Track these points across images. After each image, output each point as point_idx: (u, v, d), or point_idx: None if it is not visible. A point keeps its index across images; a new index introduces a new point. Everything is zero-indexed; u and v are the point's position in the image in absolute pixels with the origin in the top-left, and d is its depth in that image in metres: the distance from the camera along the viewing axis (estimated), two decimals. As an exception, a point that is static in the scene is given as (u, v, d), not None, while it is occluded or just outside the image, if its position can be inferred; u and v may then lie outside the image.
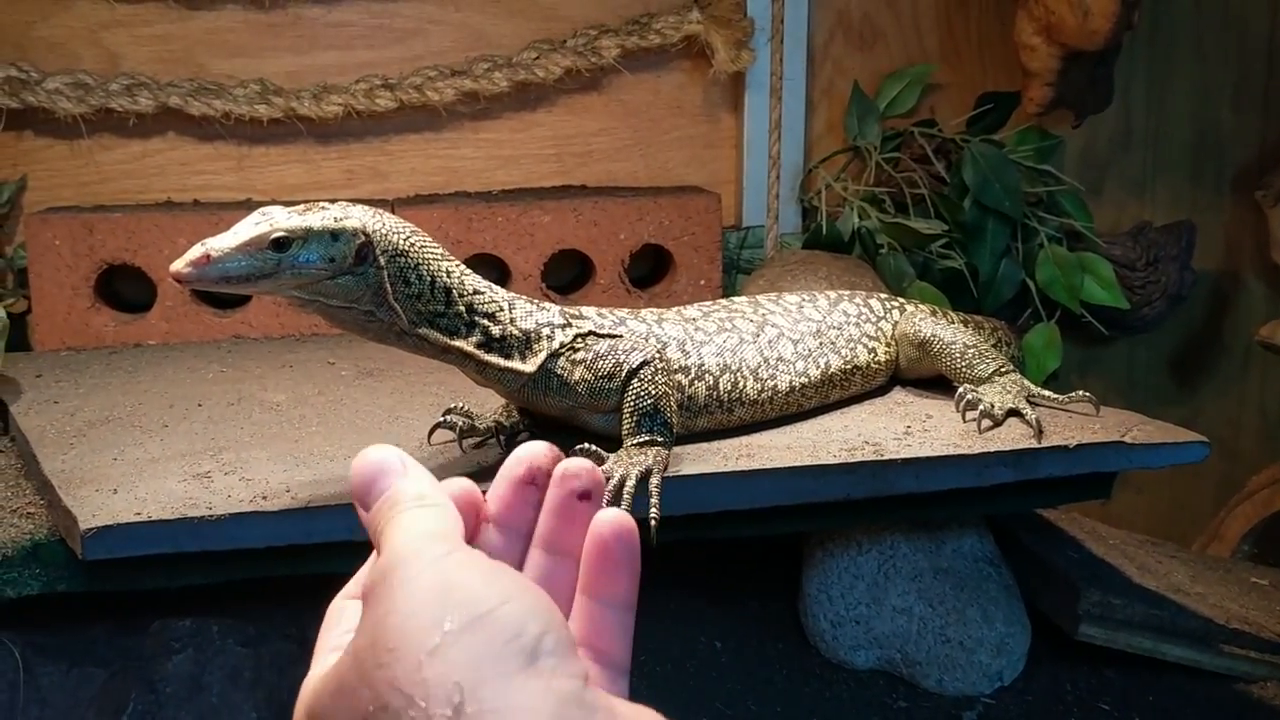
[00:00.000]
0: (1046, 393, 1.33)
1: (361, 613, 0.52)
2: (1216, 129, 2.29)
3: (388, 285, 1.02)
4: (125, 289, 1.86)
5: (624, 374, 1.13)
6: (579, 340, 1.15)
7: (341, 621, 0.55)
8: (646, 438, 1.11)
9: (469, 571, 0.51)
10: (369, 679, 0.48)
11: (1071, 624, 1.34)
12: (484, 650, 0.47)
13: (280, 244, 0.96)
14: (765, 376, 1.25)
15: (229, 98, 1.85)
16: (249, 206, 1.88)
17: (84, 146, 1.88)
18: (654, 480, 1.08)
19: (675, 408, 1.15)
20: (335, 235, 0.99)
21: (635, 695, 1.35)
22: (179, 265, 0.94)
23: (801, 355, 1.29)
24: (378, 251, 1.01)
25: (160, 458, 1.20)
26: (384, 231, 1.03)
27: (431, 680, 0.46)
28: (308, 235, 0.97)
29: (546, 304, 1.17)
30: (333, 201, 1.04)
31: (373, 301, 1.02)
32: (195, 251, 0.95)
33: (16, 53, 1.82)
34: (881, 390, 1.41)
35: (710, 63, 2.00)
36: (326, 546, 1.07)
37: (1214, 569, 1.65)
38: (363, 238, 1.00)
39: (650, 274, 2.01)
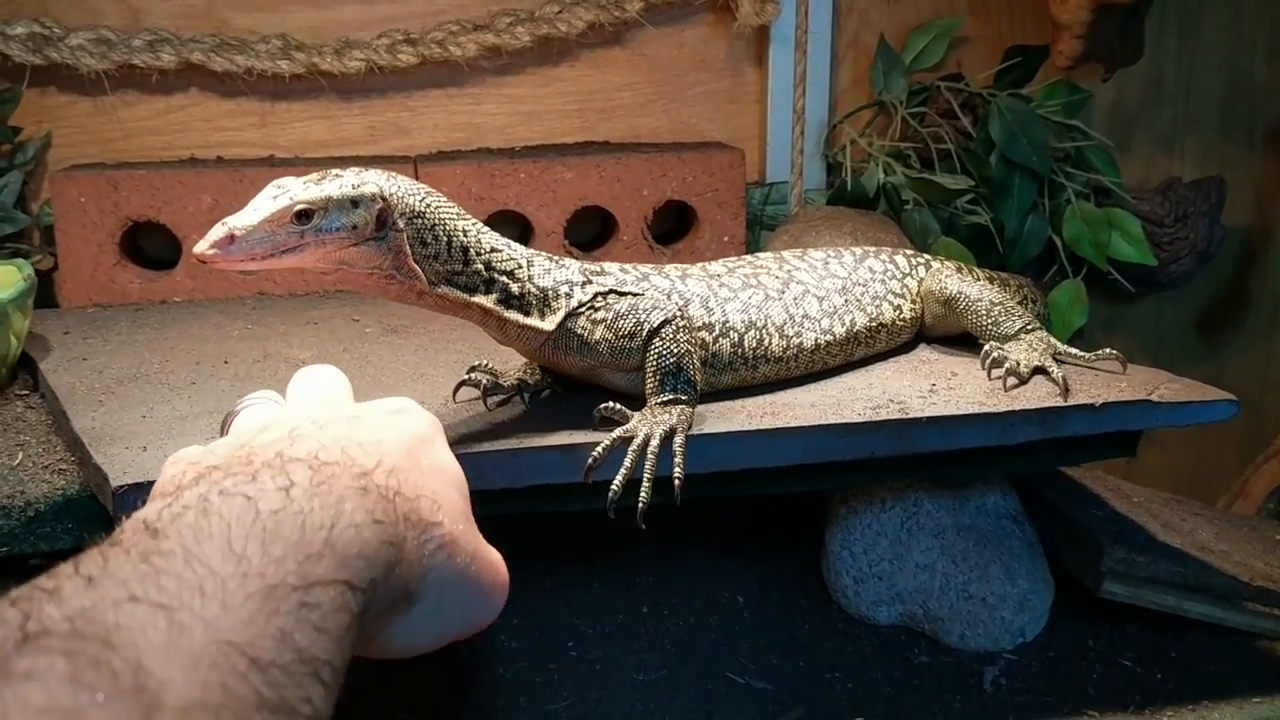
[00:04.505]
0: (1073, 350, 1.33)
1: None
2: (1249, 82, 2.26)
3: (407, 248, 1.02)
4: (149, 245, 1.87)
5: (645, 333, 1.12)
6: (599, 299, 1.14)
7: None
8: (670, 396, 1.11)
9: None
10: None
11: (1095, 581, 1.34)
12: None
13: (303, 216, 0.95)
14: (791, 334, 1.25)
15: (251, 53, 1.85)
16: (272, 163, 1.88)
17: (107, 103, 1.88)
18: (678, 439, 1.08)
19: (698, 366, 1.14)
20: (355, 202, 0.98)
21: (658, 648, 1.36)
22: (203, 248, 0.93)
23: (827, 312, 1.29)
24: (396, 215, 1.01)
25: (189, 415, 1.21)
26: (400, 194, 1.02)
27: None
28: (328, 205, 0.96)
29: (567, 261, 1.17)
30: (345, 166, 1.03)
31: (394, 265, 1.02)
32: (217, 232, 0.93)
33: (39, 8, 1.82)
34: (906, 348, 1.41)
35: (734, 16, 1.98)
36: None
37: (1239, 527, 1.64)
38: (381, 202, 1.00)
39: (673, 230, 2.00)
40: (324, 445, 0.67)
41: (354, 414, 0.75)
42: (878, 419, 1.16)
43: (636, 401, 1.13)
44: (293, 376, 0.85)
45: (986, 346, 1.30)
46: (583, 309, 1.14)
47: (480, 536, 0.74)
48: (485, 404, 1.20)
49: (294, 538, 0.56)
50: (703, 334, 1.19)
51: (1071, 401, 1.20)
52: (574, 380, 1.21)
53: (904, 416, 1.16)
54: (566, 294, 1.13)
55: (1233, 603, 1.36)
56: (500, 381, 1.21)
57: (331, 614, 0.55)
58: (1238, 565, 1.40)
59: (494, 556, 0.75)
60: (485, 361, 1.23)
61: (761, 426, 1.14)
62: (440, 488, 0.72)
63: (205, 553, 0.53)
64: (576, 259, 1.19)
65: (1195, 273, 2.15)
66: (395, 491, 0.65)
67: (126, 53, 1.81)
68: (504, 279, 1.10)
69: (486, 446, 1.08)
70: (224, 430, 0.81)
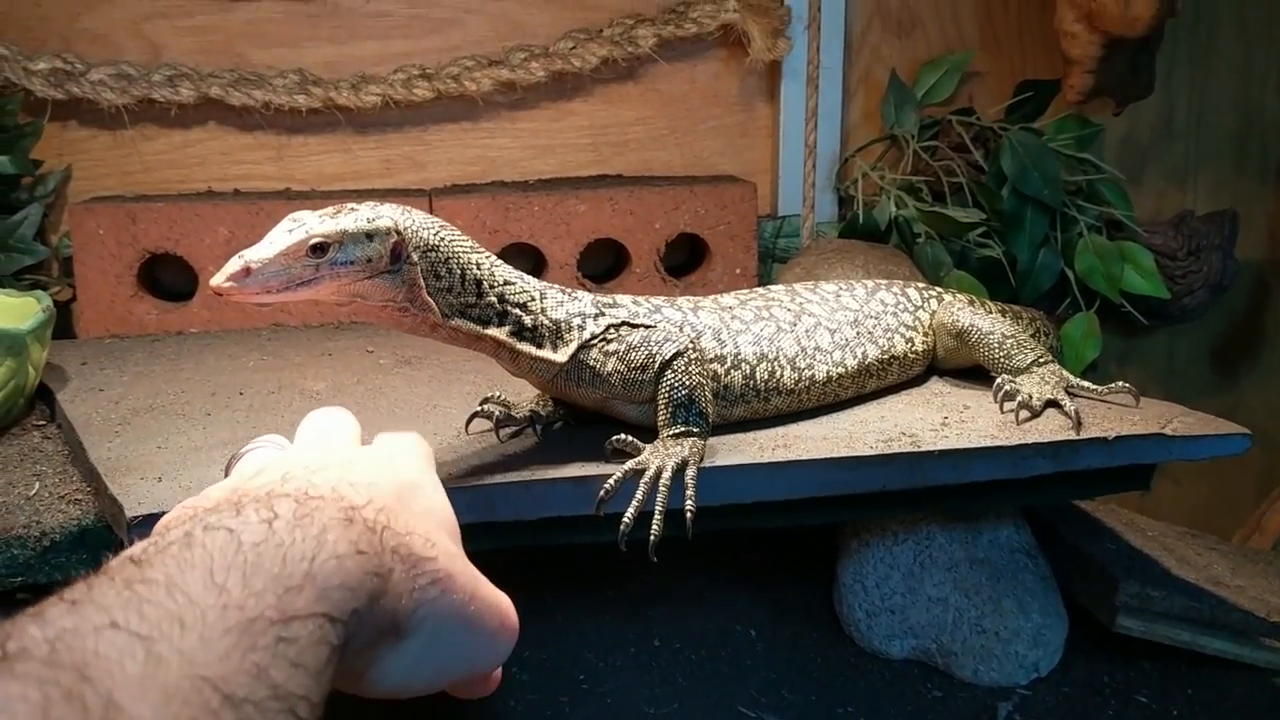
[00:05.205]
0: (1085, 383, 1.33)
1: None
2: (1260, 116, 2.26)
3: (421, 281, 1.03)
4: (167, 277, 1.89)
5: (657, 365, 1.13)
6: (611, 331, 1.15)
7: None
8: (682, 429, 1.11)
9: None
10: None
11: (1109, 616, 1.33)
12: None
13: (318, 249, 0.96)
14: (803, 366, 1.25)
15: (269, 88, 1.87)
16: (288, 196, 1.90)
17: (127, 137, 1.90)
18: (690, 472, 1.08)
19: (710, 398, 1.15)
20: (370, 236, 0.99)
21: (669, 681, 1.36)
22: (219, 280, 0.93)
23: (839, 345, 1.29)
24: (410, 248, 1.02)
25: (204, 446, 1.22)
26: (414, 228, 1.03)
27: None
28: (344, 238, 0.97)
29: (580, 293, 1.17)
30: (360, 200, 1.04)
31: (408, 298, 1.03)
32: (234, 265, 0.94)
33: (61, 44, 1.85)
34: (918, 380, 1.41)
35: (747, 51, 1.99)
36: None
37: (1254, 561, 1.63)
38: (396, 236, 1.00)
39: (686, 263, 2.01)
40: (314, 484, 0.67)
41: (347, 458, 0.75)
42: (890, 452, 1.16)
43: (649, 433, 1.14)
44: (304, 419, 0.86)
45: (999, 380, 1.30)
46: (595, 341, 1.14)
47: (482, 578, 0.74)
48: (498, 436, 1.20)
49: (275, 570, 0.56)
50: (715, 366, 1.19)
51: (1084, 435, 1.20)
52: (586, 412, 1.21)
53: (916, 449, 1.16)
54: (579, 326, 1.14)
55: (1249, 638, 1.35)
56: (513, 413, 1.21)
57: (309, 648, 0.55)
58: (1254, 600, 1.39)
59: (500, 600, 0.74)
60: (498, 393, 1.24)
61: (773, 459, 1.14)
62: (432, 531, 0.71)
63: (187, 582, 0.53)
64: (589, 291, 1.20)
65: (1208, 306, 2.15)
66: (384, 526, 0.65)
67: (146, 87, 1.84)
68: (517, 311, 1.11)
69: (499, 478, 1.09)
70: (227, 473, 0.82)
